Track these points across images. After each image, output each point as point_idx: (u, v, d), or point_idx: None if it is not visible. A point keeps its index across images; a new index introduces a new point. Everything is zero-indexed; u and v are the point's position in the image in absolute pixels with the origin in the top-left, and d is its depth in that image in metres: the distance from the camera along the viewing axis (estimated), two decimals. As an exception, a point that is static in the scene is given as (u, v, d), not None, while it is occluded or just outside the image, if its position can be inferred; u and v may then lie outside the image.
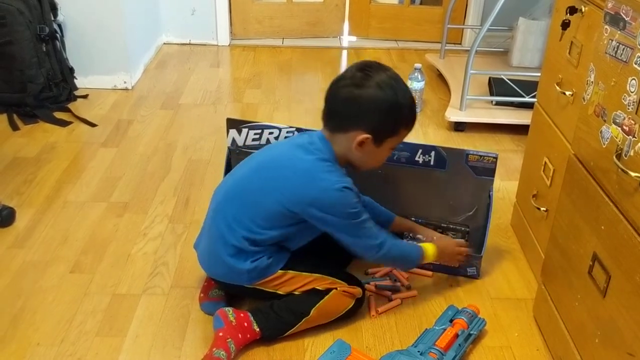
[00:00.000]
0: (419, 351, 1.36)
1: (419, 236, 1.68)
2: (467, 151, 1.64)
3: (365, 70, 1.37)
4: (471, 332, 1.44)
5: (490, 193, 1.65)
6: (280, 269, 1.42)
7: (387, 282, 1.63)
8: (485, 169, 1.63)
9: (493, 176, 1.64)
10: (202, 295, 1.53)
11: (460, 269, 1.65)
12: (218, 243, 1.41)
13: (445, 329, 1.42)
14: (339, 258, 1.61)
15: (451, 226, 1.71)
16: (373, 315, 1.52)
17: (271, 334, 1.42)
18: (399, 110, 1.37)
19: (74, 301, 1.55)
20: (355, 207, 1.37)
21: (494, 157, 1.62)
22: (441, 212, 1.72)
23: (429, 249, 1.53)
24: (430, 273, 1.67)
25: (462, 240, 1.66)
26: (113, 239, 1.80)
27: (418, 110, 2.70)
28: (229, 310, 1.40)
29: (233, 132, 1.74)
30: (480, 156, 1.63)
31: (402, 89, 1.38)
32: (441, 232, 1.69)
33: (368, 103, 1.34)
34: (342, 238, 1.40)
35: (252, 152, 1.67)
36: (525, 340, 1.48)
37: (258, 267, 1.40)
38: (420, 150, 1.66)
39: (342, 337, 1.42)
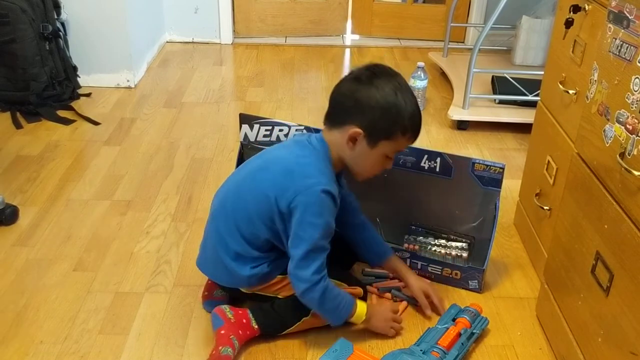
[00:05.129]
0: (421, 350, 1.36)
1: (398, 290, 1.58)
2: (473, 160, 1.60)
3: (372, 70, 1.36)
4: (474, 331, 1.43)
5: (497, 205, 1.61)
6: (280, 274, 1.42)
7: (387, 284, 1.62)
8: (492, 180, 1.59)
9: (499, 187, 1.59)
10: (206, 293, 1.53)
11: (462, 282, 1.62)
12: (220, 248, 1.41)
13: (447, 328, 1.42)
14: (342, 260, 1.60)
15: (456, 237, 1.68)
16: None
17: (269, 332, 1.43)
18: (397, 113, 1.34)
19: (77, 299, 1.55)
20: (324, 217, 1.31)
21: (500, 168, 1.57)
22: (445, 221, 1.69)
23: (361, 308, 1.41)
24: (428, 282, 1.64)
25: (398, 307, 1.54)
26: (116, 237, 1.80)
27: (420, 108, 2.68)
28: (226, 308, 1.41)
29: (245, 128, 1.74)
30: (487, 166, 1.58)
31: (406, 95, 1.36)
32: (446, 242, 1.66)
33: (365, 98, 1.33)
34: (290, 244, 1.34)
35: (262, 148, 1.66)
36: (528, 339, 1.48)
37: (258, 274, 1.40)
38: (426, 156, 1.64)
39: (345, 336, 1.41)
